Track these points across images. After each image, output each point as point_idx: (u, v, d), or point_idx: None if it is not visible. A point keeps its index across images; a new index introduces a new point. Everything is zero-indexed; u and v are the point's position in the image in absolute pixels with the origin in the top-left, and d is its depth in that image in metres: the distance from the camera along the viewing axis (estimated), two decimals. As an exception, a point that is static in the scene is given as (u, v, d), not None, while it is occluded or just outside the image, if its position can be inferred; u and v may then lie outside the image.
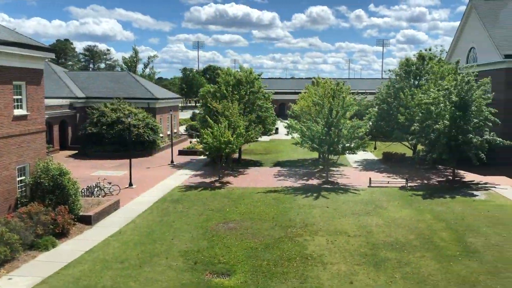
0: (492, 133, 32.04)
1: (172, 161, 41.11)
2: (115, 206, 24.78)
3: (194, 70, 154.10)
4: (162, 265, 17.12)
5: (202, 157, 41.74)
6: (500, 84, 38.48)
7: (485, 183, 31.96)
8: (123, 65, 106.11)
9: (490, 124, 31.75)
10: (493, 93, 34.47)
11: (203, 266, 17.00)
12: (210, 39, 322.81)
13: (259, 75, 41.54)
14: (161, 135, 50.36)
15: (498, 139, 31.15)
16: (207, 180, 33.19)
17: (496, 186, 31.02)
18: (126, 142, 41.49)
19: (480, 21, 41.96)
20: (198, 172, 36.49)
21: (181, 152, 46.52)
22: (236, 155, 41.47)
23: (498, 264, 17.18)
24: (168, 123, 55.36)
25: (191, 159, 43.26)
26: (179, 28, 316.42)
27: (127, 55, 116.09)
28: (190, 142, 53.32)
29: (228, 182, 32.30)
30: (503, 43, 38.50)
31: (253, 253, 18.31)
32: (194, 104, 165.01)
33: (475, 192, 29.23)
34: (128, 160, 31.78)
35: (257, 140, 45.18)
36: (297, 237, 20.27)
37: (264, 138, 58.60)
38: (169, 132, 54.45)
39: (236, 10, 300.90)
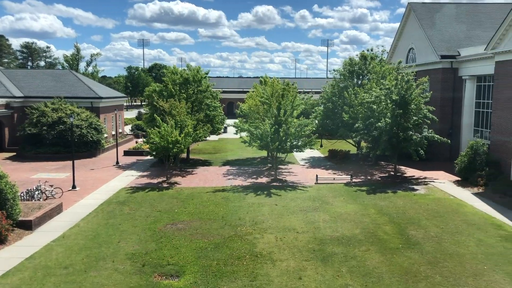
0: (430, 130, 33.74)
1: (117, 162, 40.01)
2: (57, 210, 23.78)
3: (140, 69, 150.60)
4: (109, 269, 16.64)
5: (148, 157, 41.03)
6: (437, 83, 40.60)
7: (425, 178, 33.54)
8: (65, 63, 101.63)
9: (428, 121, 33.43)
10: (431, 92, 36.27)
11: (151, 268, 16.69)
12: (155, 37, 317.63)
13: (207, 74, 41.27)
14: (105, 135, 48.89)
15: (436, 136, 32.83)
16: (155, 180, 32.61)
17: (434, 180, 32.64)
18: (68, 143, 39.97)
19: (418, 23, 43.98)
20: (145, 173, 35.75)
21: (126, 153, 45.38)
22: (184, 155, 41.01)
23: (437, 255, 18.10)
24: (112, 123, 53.82)
25: (138, 160, 42.32)
26: (123, 25, 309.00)
27: (68, 53, 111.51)
28: (136, 142, 52.13)
29: (176, 183, 31.89)
30: (440, 44, 40.58)
31: (203, 253, 18.20)
32: (140, 103, 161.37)
33: (415, 187, 30.61)
34: (71, 162, 30.61)
35: (205, 140, 45.01)
36: (246, 236, 20.35)
37: (213, 137, 58.47)
38: (114, 132, 52.95)
39: (181, 8, 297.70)
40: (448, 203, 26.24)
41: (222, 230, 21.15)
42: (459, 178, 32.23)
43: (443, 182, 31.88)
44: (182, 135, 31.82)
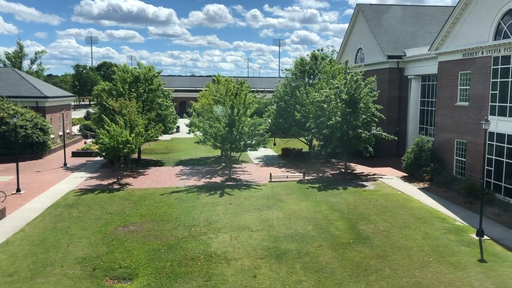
0: (378, 128, 34.87)
1: (65, 164, 38.56)
2: (0, 215, 22.63)
3: (88, 67, 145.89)
4: (57, 274, 16.02)
5: (98, 158, 39.84)
6: (385, 82, 42.02)
7: (374, 174, 34.61)
8: (6, 60, 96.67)
9: (376, 119, 34.56)
10: (378, 91, 37.49)
11: (102, 272, 16.23)
12: (103, 35, 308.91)
13: (159, 73, 40.56)
14: (52, 136, 46.99)
15: (384, 133, 33.99)
16: (105, 182, 31.71)
17: (383, 176, 33.76)
18: (12, 144, 38.10)
19: (366, 24, 45.30)
20: (95, 174, 34.69)
21: (75, 154, 43.85)
22: (135, 155, 40.16)
23: (386, 249, 18.74)
24: (60, 123, 51.82)
25: (87, 161, 41.00)
26: (69, 22, 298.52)
27: (10, 50, 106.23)
28: (85, 142, 50.48)
29: (128, 184, 31.17)
30: (387, 45, 41.99)
31: (156, 255, 17.91)
32: (88, 103, 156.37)
33: (365, 183, 31.53)
34: (15, 164, 29.18)
35: (157, 139, 44.20)
36: (201, 236, 20.21)
37: (165, 137, 57.58)
38: (61, 133, 51.01)
39: (130, 5, 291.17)
40: (396, 198, 27.21)
41: (175, 231, 20.89)
42: (406, 174, 33.55)
43: (391, 178, 33.03)
44: (132, 135, 31.12)
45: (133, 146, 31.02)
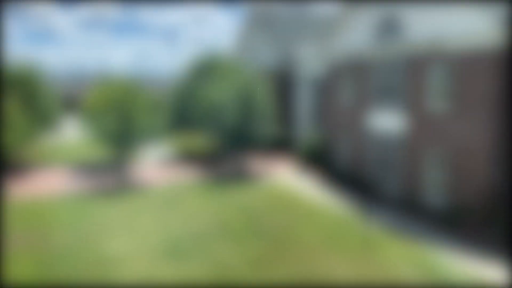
0: (273, 124, 36.22)
1: None
2: None
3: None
4: None
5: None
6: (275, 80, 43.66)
7: (269, 171, 35.82)
8: None
9: (271, 116, 35.86)
10: (272, 88, 38.86)
11: (-17, 289, 14.76)
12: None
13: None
14: None
15: (278, 129, 35.40)
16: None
17: (278, 172, 35.09)
18: None
19: (258, 28, 46.56)
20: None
21: None
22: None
23: (281, 243, 19.61)
24: None
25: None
26: None
27: None
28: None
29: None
30: (275, 45, 43.58)
31: (45, 266, 16.74)
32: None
33: (261, 180, 32.52)
34: None
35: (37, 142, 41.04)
36: (93, 243, 19.31)
37: (47, 138, 53.60)
38: None
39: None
40: (290, 193, 28.51)
41: (64, 239, 19.70)
42: (299, 169, 35.27)
43: (285, 174, 34.49)
44: None
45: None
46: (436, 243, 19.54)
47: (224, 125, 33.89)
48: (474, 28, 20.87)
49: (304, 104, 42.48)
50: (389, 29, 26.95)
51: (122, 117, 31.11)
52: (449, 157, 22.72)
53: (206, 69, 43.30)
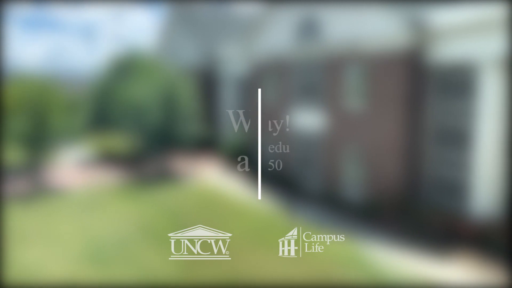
0: (197, 124, 36.02)
1: None
2: None
3: None
4: None
5: None
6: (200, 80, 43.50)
7: (195, 170, 35.64)
8: None
9: (193, 116, 35.65)
10: (196, 87, 38.65)
11: None
12: None
13: None
14: None
15: (203, 129, 35.32)
16: None
17: (204, 171, 35.01)
18: None
19: (181, 27, 46.05)
20: None
21: None
22: None
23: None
24: None
25: None
26: None
27: None
28: None
29: None
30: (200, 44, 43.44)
31: (-49, 279, 15.38)
32: None
33: (187, 180, 32.27)
34: None
35: None
36: (7, 250, 18.07)
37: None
38: None
39: None
40: (215, 193, 28.60)
41: (-25, 248, 18.24)
42: (224, 168, 35.45)
43: (210, 173, 34.49)
44: None
45: None
46: (358, 235, 20.63)
47: (146, 125, 33.11)
48: (385, 30, 22.29)
49: (228, 103, 42.72)
50: (308, 29, 27.94)
51: (35, 118, 29.33)
52: (365, 153, 24.08)
53: (126, 67, 41.98)
